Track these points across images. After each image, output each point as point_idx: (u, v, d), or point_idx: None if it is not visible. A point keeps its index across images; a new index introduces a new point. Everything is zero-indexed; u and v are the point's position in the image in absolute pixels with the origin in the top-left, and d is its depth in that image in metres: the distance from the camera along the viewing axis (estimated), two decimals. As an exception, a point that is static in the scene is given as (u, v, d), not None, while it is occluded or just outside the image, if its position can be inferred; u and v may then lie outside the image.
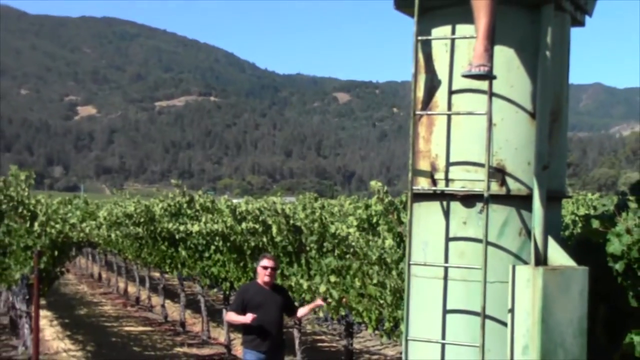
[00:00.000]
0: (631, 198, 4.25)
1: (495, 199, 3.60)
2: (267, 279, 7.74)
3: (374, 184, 8.19)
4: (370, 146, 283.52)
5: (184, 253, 13.90)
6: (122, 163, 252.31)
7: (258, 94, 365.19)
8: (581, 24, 4.10)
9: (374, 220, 9.14)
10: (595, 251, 3.79)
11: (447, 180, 3.69)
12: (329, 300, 8.43)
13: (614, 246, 3.72)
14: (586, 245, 3.90)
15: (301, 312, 8.36)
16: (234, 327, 8.61)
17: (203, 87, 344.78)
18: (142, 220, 16.11)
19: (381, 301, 7.79)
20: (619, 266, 3.72)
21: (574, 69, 4.25)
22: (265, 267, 7.75)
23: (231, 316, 7.89)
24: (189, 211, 14.74)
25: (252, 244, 10.91)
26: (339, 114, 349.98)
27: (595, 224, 3.97)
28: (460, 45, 3.68)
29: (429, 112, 3.75)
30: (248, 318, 7.51)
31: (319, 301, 8.17)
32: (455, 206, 3.68)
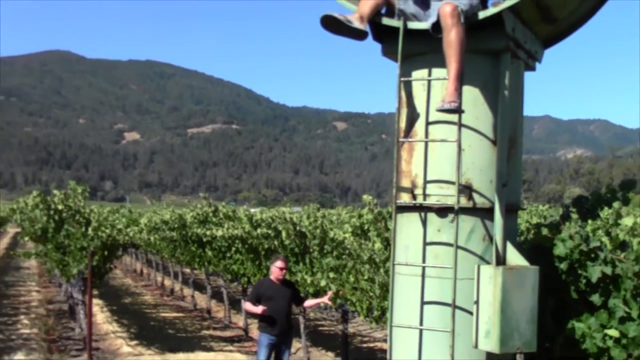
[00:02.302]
0: (573, 210, 4.25)
1: (464, 210, 3.59)
2: (280, 277, 7.79)
3: (366, 198, 8.19)
4: (363, 166, 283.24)
5: (209, 253, 13.89)
6: (160, 179, 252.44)
7: (271, 122, 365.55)
8: (532, 69, 4.13)
9: (366, 227, 9.12)
10: (545, 253, 3.79)
11: (425, 195, 3.69)
12: (329, 292, 8.39)
13: (560, 249, 3.72)
14: (537, 249, 3.89)
15: (308, 303, 8.30)
16: (250, 314, 8.57)
17: (226, 117, 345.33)
18: (176, 226, 16.13)
19: (371, 294, 7.76)
20: (563, 266, 3.72)
21: (527, 103, 4.27)
22: (279, 268, 7.79)
23: (248, 306, 7.93)
24: (214, 219, 14.74)
25: (266, 246, 10.89)
26: (338, 139, 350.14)
27: (545, 231, 3.98)
28: (435, 85, 3.70)
29: (410, 140, 3.75)
30: (259, 309, 7.61)
31: (325, 298, 8.05)
32: (431, 217, 3.68)
